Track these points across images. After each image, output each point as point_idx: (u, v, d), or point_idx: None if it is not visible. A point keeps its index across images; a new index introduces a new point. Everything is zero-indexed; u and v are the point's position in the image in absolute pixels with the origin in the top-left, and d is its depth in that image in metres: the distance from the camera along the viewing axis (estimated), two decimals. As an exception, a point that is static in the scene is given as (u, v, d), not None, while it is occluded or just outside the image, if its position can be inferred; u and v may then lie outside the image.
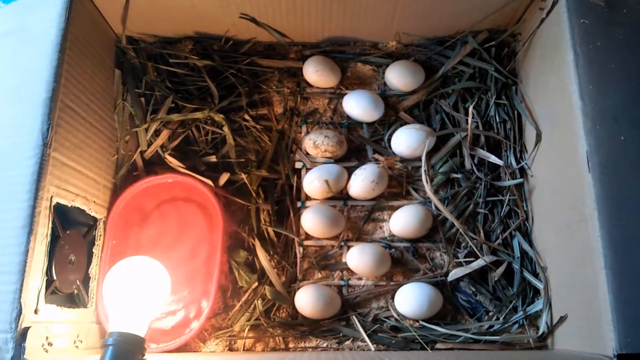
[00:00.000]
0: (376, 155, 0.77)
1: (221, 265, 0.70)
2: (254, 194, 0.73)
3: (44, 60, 0.57)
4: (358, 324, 0.69)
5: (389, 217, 0.74)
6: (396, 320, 0.70)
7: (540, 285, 0.68)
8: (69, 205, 0.61)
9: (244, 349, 0.69)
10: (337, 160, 0.76)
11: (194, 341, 0.69)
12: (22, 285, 0.51)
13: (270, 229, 0.73)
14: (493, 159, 0.75)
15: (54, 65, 0.57)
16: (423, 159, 0.73)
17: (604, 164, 0.56)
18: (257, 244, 0.72)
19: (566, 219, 0.62)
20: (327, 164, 0.75)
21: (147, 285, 0.61)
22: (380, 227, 0.76)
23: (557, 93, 0.63)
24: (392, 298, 0.71)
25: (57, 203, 0.58)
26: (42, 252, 0.54)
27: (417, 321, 0.70)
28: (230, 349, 0.70)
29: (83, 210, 0.65)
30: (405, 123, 0.78)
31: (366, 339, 0.68)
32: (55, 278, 0.58)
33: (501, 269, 0.71)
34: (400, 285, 0.71)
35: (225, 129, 0.74)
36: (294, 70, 0.80)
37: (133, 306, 0.59)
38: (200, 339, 0.69)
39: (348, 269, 0.73)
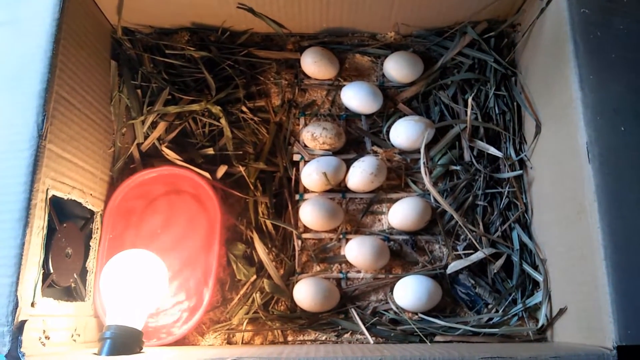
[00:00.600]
0: (375, 148, 0.77)
1: (219, 258, 0.69)
2: (251, 187, 0.73)
3: (38, 51, 0.56)
4: (357, 316, 0.69)
5: (388, 210, 0.74)
6: (395, 313, 0.70)
7: (539, 278, 0.68)
8: (66, 197, 0.61)
9: (242, 342, 0.69)
10: (335, 153, 0.76)
11: (192, 334, 0.69)
12: (18, 278, 0.50)
13: (268, 222, 0.73)
14: (492, 150, 0.74)
15: (49, 56, 0.56)
16: (422, 151, 0.72)
17: (604, 155, 0.55)
18: (256, 236, 0.71)
19: (566, 211, 0.61)
20: (325, 156, 0.75)
21: (144, 278, 0.61)
22: (379, 220, 0.75)
23: (557, 84, 0.63)
24: (391, 291, 0.71)
25: (54, 196, 0.57)
26: (38, 244, 0.54)
27: (416, 314, 0.70)
28: (229, 342, 0.69)
29: (80, 203, 0.64)
30: (404, 115, 0.77)
31: (365, 331, 0.68)
32: (52, 271, 0.58)
33: (500, 262, 0.71)
34: (399, 278, 0.71)
35: (223, 121, 0.73)
36: (292, 61, 0.80)
37: (130, 299, 0.59)
38: (198, 332, 0.69)
39: (347, 262, 0.72)
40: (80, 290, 0.65)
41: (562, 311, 0.63)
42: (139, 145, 0.74)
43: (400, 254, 0.73)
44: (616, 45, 0.59)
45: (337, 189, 0.75)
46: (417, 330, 0.68)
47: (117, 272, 0.60)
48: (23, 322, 0.51)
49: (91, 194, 0.67)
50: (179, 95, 0.74)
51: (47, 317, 0.56)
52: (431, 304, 0.69)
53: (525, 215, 0.73)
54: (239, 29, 0.78)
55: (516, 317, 0.69)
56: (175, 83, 0.76)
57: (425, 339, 0.67)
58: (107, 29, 0.74)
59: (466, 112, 0.74)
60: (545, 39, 0.68)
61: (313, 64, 0.77)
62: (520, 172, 0.74)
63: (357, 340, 0.69)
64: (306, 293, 0.68)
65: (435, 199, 0.72)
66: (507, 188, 0.74)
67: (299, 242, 0.73)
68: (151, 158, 0.74)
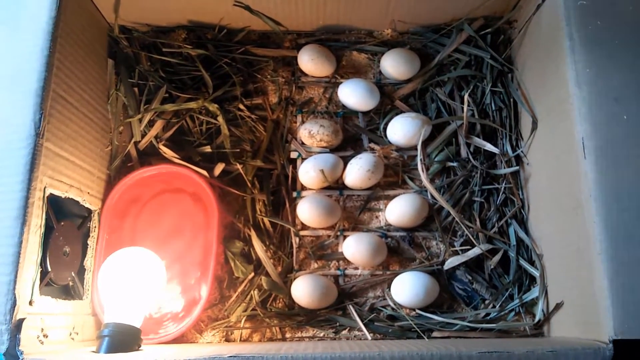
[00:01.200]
0: (372, 145, 0.77)
1: (217, 256, 0.69)
2: (249, 185, 0.73)
3: (35, 50, 0.56)
4: (355, 313, 0.69)
5: (385, 207, 0.74)
6: (393, 309, 0.70)
7: (536, 273, 0.68)
8: (63, 196, 0.60)
9: (240, 340, 0.69)
10: (332, 150, 0.76)
11: (190, 332, 0.69)
12: (16, 276, 0.50)
13: (266, 220, 0.73)
14: (489, 147, 0.75)
15: (46, 55, 0.56)
16: (419, 147, 0.73)
17: (601, 148, 0.55)
18: (253, 234, 0.71)
19: (562, 206, 0.62)
20: (322, 154, 0.75)
21: (142, 276, 0.61)
22: (376, 217, 0.75)
23: (553, 80, 0.63)
24: (389, 287, 0.71)
25: (51, 194, 0.57)
26: (36, 243, 0.54)
27: (414, 310, 0.70)
28: (227, 340, 0.69)
29: (77, 202, 0.64)
30: (401, 112, 0.77)
31: (363, 328, 0.68)
32: (49, 269, 0.58)
33: (497, 257, 0.71)
34: (396, 274, 0.71)
35: (220, 119, 0.73)
36: (289, 59, 0.80)
37: (128, 297, 0.59)
38: (196, 330, 0.69)
39: (344, 259, 0.72)
40: (78, 289, 0.65)
41: (558, 306, 0.64)
42: (136, 143, 0.74)
43: (397, 250, 0.74)
44: (619, 32, 0.58)
45: (335, 186, 0.75)
46: (414, 326, 0.68)
47: (114, 270, 0.60)
48: (21, 321, 0.51)
49: (89, 193, 0.67)
50: (176, 93, 0.74)
51: (45, 316, 0.56)
52: (428, 300, 0.69)
53: (522, 211, 0.73)
54: (235, 26, 0.78)
55: (513, 313, 0.70)
56: (172, 81, 0.75)
57: (422, 335, 0.67)
58: (104, 27, 0.74)
59: (463, 108, 0.74)
60: (541, 35, 0.68)
61: (310, 62, 0.77)
62: (517, 168, 0.74)
63: (355, 336, 0.70)
64: (304, 290, 0.68)
65: (432, 196, 0.73)
66: (503, 184, 0.74)
67: (297, 239, 0.73)
68: (148, 156, 0.74)
